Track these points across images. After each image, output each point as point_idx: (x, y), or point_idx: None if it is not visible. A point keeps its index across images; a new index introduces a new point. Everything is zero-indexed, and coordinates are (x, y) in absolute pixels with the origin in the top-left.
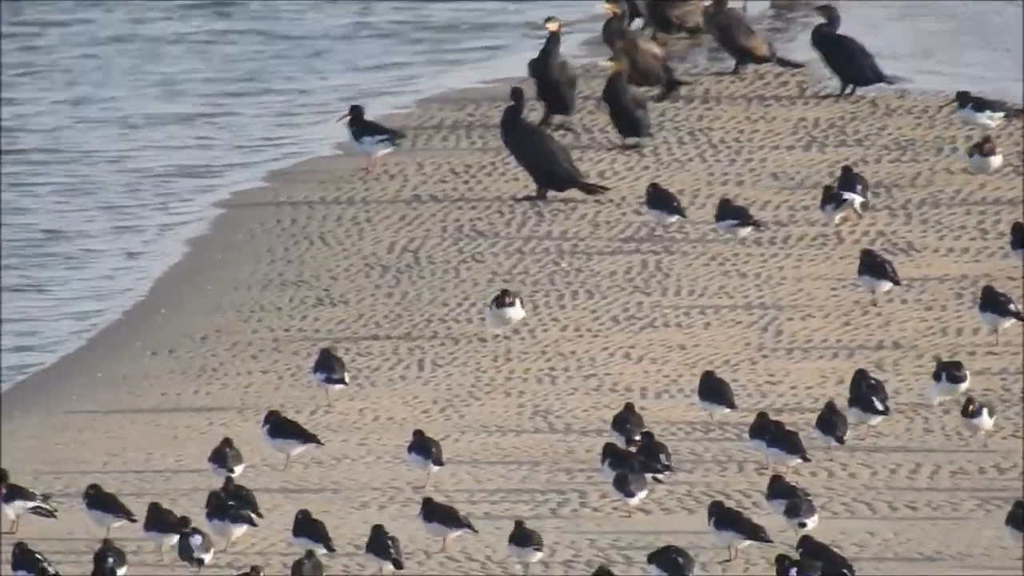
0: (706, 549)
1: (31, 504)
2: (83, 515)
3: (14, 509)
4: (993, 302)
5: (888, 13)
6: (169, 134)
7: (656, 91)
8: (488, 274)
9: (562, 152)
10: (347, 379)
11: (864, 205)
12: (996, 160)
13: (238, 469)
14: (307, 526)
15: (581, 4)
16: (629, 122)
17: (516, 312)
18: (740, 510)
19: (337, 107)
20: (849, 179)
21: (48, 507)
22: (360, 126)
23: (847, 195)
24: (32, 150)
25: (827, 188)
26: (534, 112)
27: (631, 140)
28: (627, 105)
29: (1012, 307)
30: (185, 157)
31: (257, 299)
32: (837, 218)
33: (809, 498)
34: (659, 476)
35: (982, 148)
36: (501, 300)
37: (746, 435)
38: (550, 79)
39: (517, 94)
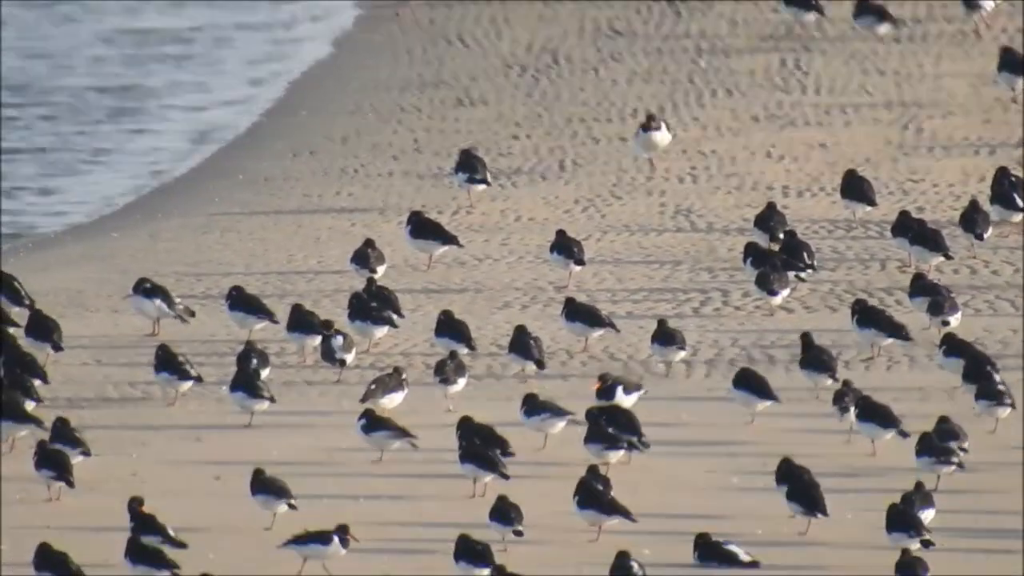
0: (849, 347)
1: (169, 309)
2: (225, 316)
3: (155, 310)
4: None
5: None
6: None
7: None
8: (627, 73)
9: None
10: (489, 179)
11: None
12: None
13: (380, 270)
14: (449, 326)
15: None
16: None
17: (663, 136)
18: (883, 308)
19: None
20: None
21: (183, 315)
22: None
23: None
24: None
25: None
26: None
27: None
28: None
29: None
30: None
31: (397, 100)
32: (976, 18)
33: (952, 295)
34: (801, 274)
35: None
36: (648, 125)
37: (888, 233)
38: None
39: None
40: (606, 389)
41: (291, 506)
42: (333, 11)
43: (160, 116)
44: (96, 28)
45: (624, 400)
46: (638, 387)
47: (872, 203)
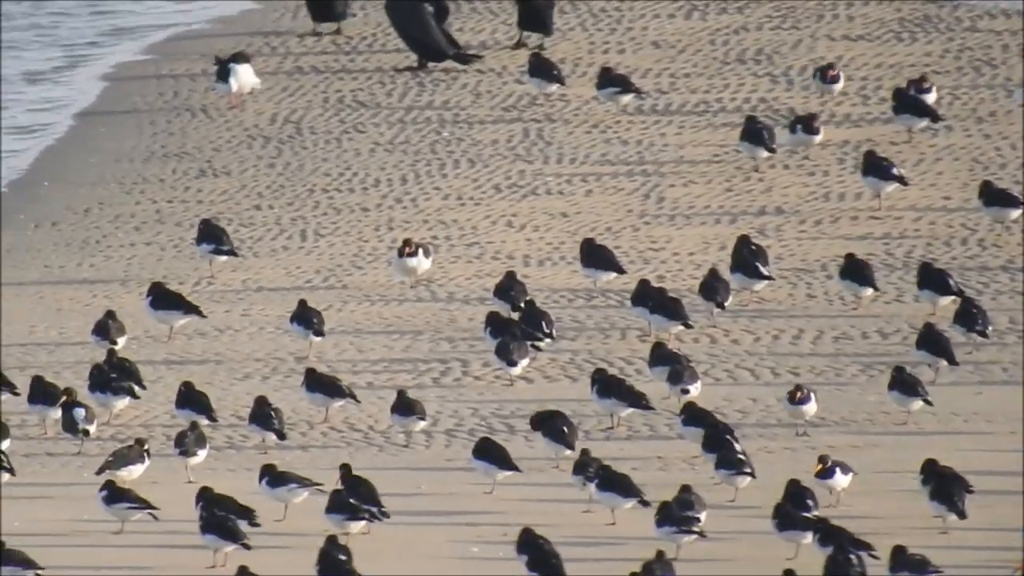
0: (589, 417)
1: None
2: None
3: None
4: (875, 167)
5: None
6: (50, 8)
7: None
8: (370, 144)
9: (437, 24)
10: (235, 249)
11: None
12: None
13: (121, 341)
14: (190, 397)
15: None
16: (535, 17)
17: (419, 262)
18: (623, 378)
19: None
20: None
21: None
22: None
23: None
24: None
25: None
26: None
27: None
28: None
29: (894, 171)
30: (66, 31)
31: (140, 171)
32: None
33: (692, 364)
34: (540, 344)
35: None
36: (402, 250)
37: (628, 302)
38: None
39: None
40: None
41: None
42: (77, 84)
43: None
44: None
45: None
46: None
47: (620, 271)
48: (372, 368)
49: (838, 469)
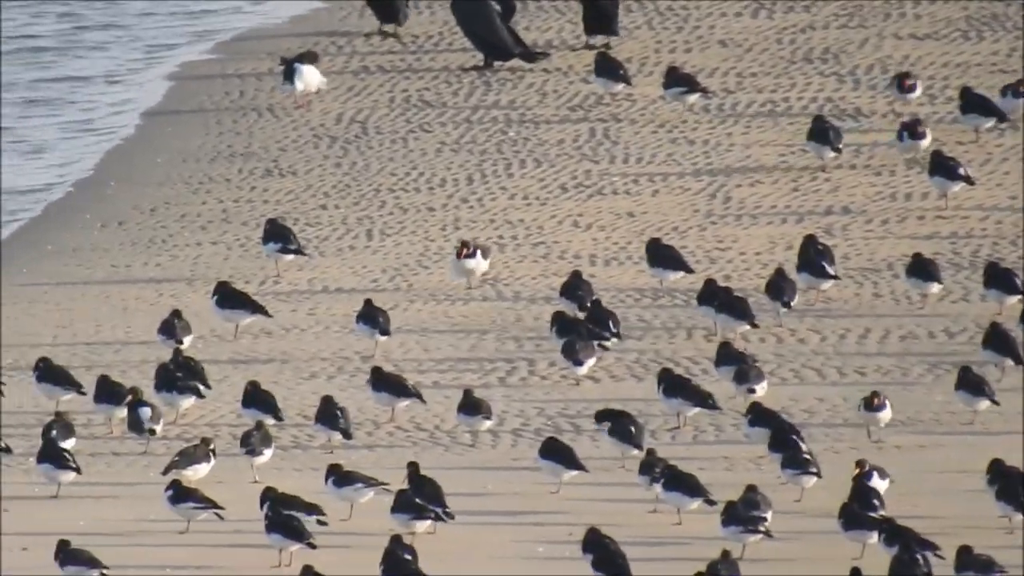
0: (655, 416)
1: None
2: (33, 388)
3: None
4: (942, 167)
5: None
6: (115, 7)
7: None
8: (436, 144)
9: (503, 22)
10: (303, 248)
11: None
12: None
13: (187, 340)
14: (256, 396)
15: None
16: (601, 17)
17: (476, 263)
18: (689, 377)
19: None
20: None
21: None
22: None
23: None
24: None
25: None
26: None
27: (599, 38)
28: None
29: (961, 171)
30: (133, 30)
31: (206, 171)
32: None
33: (758, 364)
34: (606, 343)
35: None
36: (459, 252)
37: (695, 302)
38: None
39: None
40: None
41: None
42: (144, 84)
43: None
44: None
45: None
46: None
47: (688, 270)
48: (438, 367)
49: (875, 474)
